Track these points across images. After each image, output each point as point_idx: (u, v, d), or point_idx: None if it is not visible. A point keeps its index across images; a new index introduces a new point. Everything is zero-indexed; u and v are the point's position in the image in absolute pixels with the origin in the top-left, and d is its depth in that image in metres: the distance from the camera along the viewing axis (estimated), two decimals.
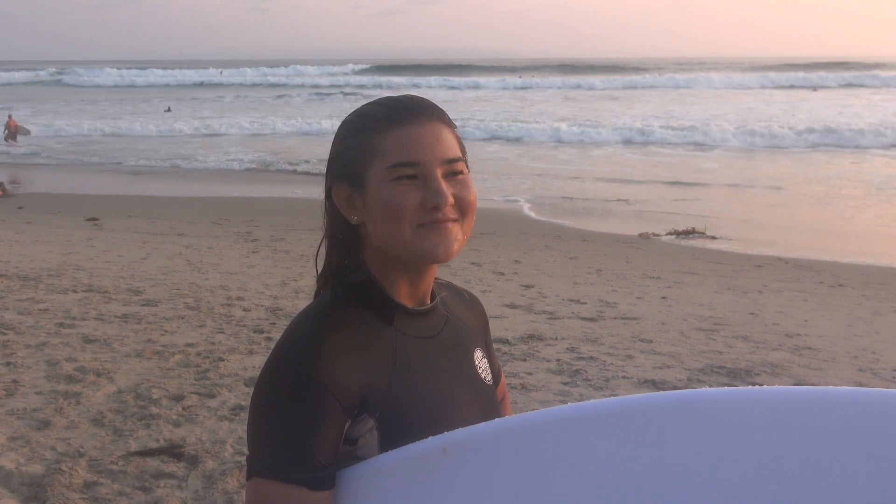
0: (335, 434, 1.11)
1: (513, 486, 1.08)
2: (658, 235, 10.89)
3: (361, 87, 52.71)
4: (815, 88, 44.77)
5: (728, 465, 1.03)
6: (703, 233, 10.84)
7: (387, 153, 1.15)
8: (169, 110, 36.44)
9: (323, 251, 1.28)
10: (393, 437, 1.14)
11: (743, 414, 1.04)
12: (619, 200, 14.07)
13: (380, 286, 1.21)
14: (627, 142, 22.00)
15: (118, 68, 73.07)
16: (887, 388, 5.02)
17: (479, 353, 1.34)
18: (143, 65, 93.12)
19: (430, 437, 1.13)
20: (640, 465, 1.05)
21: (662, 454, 1.05)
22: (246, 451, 3.98)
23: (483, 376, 1.32)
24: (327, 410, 1.09)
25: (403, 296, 1.23)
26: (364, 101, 1.32)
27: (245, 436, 3.90)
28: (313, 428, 1.08)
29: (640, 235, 10.87)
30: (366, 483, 1.12)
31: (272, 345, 5.41)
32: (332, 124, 26.55)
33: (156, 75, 61.29)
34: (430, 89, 47.43)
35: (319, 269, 1.28)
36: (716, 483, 1.03)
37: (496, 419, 1.16)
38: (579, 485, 1.07)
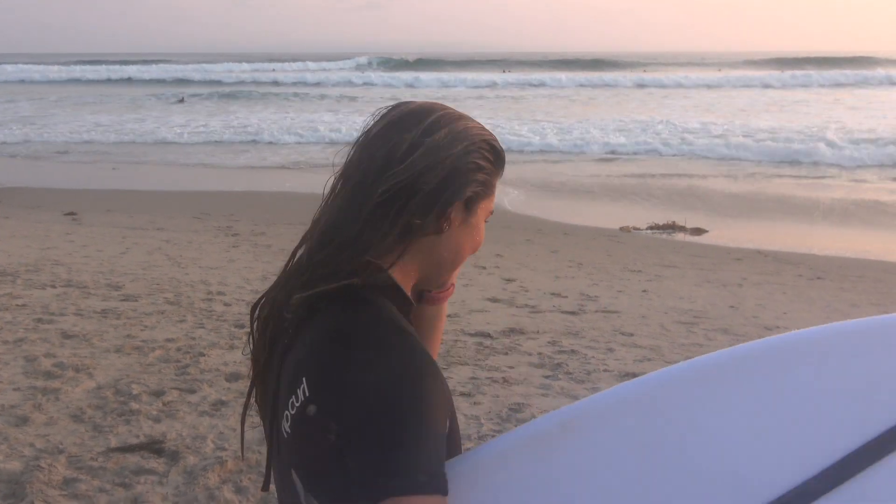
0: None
1: (641, 452, 1.07)
2: (639, 229, 10.94)
3: (356, 84, 50.09)
4: (788, 86, 45.09)
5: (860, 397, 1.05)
6: (683, 227, 10.91)
7: (492, 197, 1.28)
8: (182, 101, 34.78)
9: (306, 250, 1.20)
10: (451, 440, 1.13)
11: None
12: (600, 195, 14.13)
13: (401, 288, 1.20)
14: (613, 140, 22.03)
15: (106, 63, 72.21)
16: None
17: None
18: (120, 59, 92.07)
19: (542, 417, 1.13)
20: (765, 413, 1.06)
21: (785, 396, 1.07)
22: (227, 446, 3.91)
23: None
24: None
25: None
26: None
27: (226, 431, 3.90)
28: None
29: (621, 229, 10.91)
30: (484, 468, 1.10)
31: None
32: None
33: (137, 71, 60.23)
34: (428, 89, 45.96)
35: (318, 270, 1.16)
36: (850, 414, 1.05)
37: (612, 387, 1.15)
38: (709, 440, 1.05)
